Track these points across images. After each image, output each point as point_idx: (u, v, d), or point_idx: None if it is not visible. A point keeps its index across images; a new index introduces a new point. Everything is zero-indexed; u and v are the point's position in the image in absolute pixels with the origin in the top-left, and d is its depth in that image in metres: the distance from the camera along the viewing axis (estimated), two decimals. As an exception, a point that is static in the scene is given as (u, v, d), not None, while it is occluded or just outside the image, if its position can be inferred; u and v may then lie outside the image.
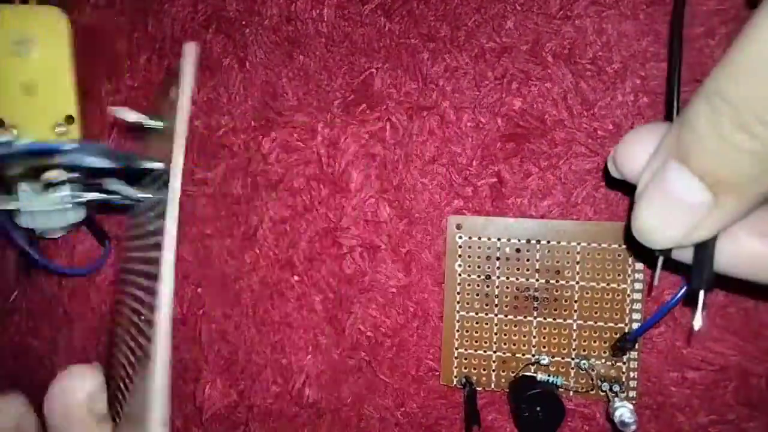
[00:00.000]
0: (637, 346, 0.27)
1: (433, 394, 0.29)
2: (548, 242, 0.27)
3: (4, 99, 0.28)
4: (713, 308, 0.27)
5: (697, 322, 0.16)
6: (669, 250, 0.17)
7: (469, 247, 0.28)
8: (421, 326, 0.29)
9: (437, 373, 0.29)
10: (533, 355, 0.28)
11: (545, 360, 0.27)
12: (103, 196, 0.26)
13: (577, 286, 0.27)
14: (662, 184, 0.15)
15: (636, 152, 0.17)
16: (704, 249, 0.16)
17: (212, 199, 0.31)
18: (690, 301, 0.16)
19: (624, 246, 0.27)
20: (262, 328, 0.31)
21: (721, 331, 0.27)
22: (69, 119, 0.29)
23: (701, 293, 0.16)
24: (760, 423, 0.26)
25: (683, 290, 0.24)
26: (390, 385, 0.30)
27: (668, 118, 0.17)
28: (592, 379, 0.27)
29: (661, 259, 0.18)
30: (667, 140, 0.15)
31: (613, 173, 0.19)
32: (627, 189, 0.24)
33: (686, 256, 0.17)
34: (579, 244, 0.27)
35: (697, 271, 0.16)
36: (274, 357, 0.31)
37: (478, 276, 0.28)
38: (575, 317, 0.27)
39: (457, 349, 0.28)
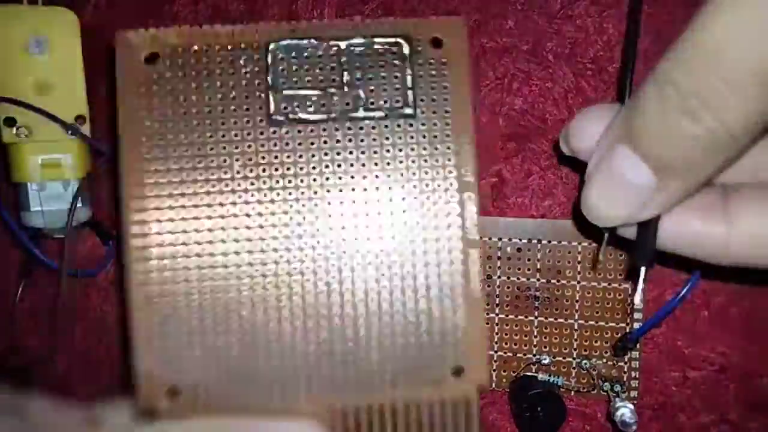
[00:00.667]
0: (638, 346, 0.27)
1: (434, 394, 0.29)
2: (549, 242, 0.27)
3: (17, 98, 0.28)
4: (713, 308, 0.27)
5: (638, 297, 0.17)
6: (614, 228, 0.17)
7: (470, 247, 0.28)
8: (422, 326, 0.29)
9: (438, 373, 0.29)
10: (534, 355, 0.28)
11: (546, 360, 0.27)
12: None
13: (578, 286, 0.27)
14: (610, 166, 0.16)
15: (587, 131, 0.18)
16: (647, 227, 0.16)
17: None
18: (636, 276, 0.17)
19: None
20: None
21: (721, 331, 0.27)
22: (80, 119, 0.29)
23: (642, 269, 0.17)
24: (760, 423, 0.26)
25: (684, 290, 0.24)
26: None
27: (620, 100, 0.18)
28: (593, 379, 0.27)
29: (606, 236, 0.18)
30: (616, 122, 0.16)
31: (564, 150, 0.20)
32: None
33: (631, 232, 0.17)
34: (580, 243, 0.27)
35: (640, 248, 0.17)
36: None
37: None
38: (576, 317, 0.27)
39: (457, 348, 0.28)
